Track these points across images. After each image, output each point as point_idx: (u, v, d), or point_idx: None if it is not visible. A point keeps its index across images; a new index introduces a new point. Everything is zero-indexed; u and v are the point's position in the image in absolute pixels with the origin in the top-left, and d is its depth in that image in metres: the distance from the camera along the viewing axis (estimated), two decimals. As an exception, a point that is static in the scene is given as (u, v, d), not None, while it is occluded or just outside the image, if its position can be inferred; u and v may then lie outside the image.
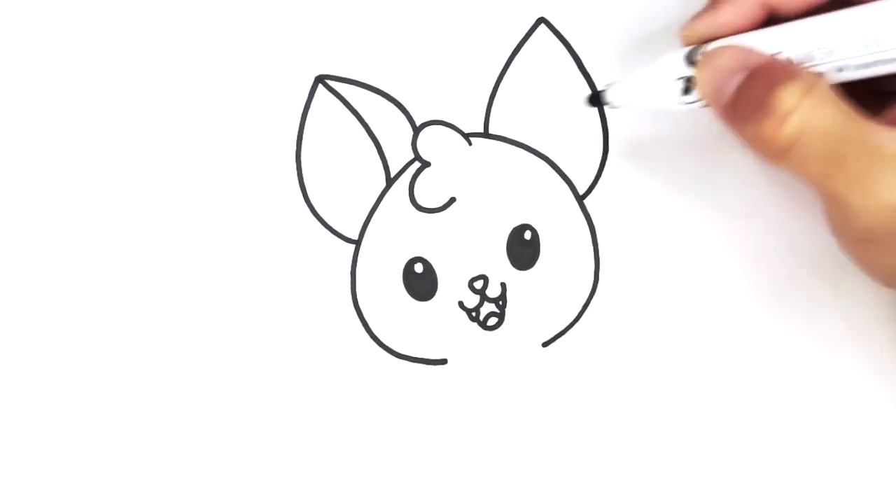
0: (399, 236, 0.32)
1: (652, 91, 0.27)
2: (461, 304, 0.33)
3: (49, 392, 0.31)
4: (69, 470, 0.31)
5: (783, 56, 0.23)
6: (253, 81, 0.31)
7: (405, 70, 0.31)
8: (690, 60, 0.25)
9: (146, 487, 0.32)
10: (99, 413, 0.31)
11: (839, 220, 0.24)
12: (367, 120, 0.31)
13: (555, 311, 0.33)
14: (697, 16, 0.25)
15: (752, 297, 0.33)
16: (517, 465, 0.33)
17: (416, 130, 0.32)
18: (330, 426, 0.32)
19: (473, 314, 0.33)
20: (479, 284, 0.32)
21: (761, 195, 0.32)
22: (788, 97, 0.22)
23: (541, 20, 0.32)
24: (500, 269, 0.33)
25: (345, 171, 0.32)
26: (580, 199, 0.33)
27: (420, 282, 0.32)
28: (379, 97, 0.31)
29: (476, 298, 0.33)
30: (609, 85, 0.29)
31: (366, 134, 0.31)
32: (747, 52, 0.23)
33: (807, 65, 0.23)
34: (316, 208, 0.32)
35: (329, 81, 0.31)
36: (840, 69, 0.22)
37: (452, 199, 0.32)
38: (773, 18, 0.24)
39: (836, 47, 0.22)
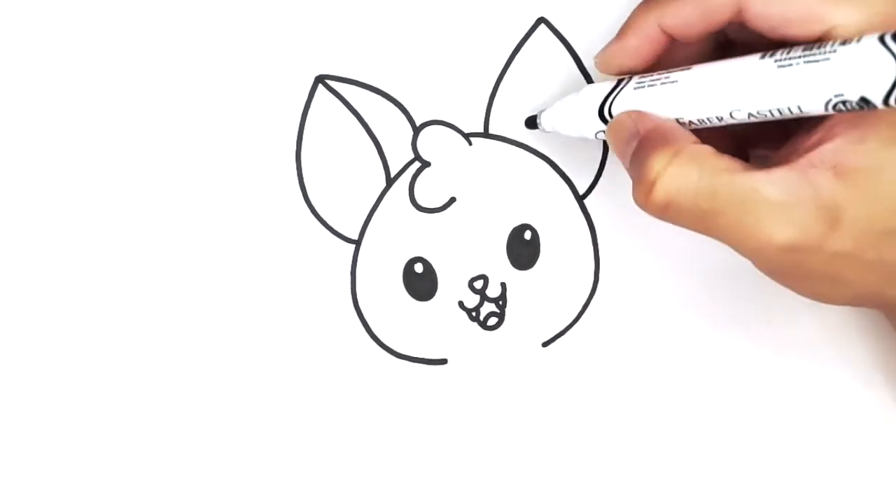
0: (399, 236, 0.32)
1: (573, 123, 0.29)
2: (461, 304, 0.33)
3: (49, 392, 0.31)
4: (69, 470, 0.31)
5: (681, 116, 0.25)
6: (253, 81, 0.31)
7: (405, 70, 0.31)
8: (601, 115, 0.27)
9: (146, 487, 0.32)
10: (99, 413, 0.31)
11: (750, 262, 0.25)
12: (367, 120, 0.31)
13: (555, 311, 0.33)
14: (607, 45, 0.27)
15: (751, 297, 0.33)
16: (517, 465, 0.33)
17: (416, 130, 0.32)
18: (330, 426, 0.32)
19: (473, 314, 0.33)
20: (479, 284, 0.32)
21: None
22: (656, 164, 0.24)
23: (541, 20, 0.32)
24: (500, 269, 0.33)
25: (345, 171, 0.32)
26: (580, 199, 0.33)
27: (420, 282, 0.32)
28: (379, 97, 0.31)
29: (476, 298, 0.33)
30: (542, 110, 0.30)
31: (366, 134, 0.31)
32: (643, 118, 0.25)
33: (702, 122, 0.25)
34: (316, 208, 0.31)
35: (329, 81, 0.31)
36: (725, 123, 0.24)
37: (452, 199, 0.32)
38: (675, 44, 0.26)
39: (725, 116, 0.24)
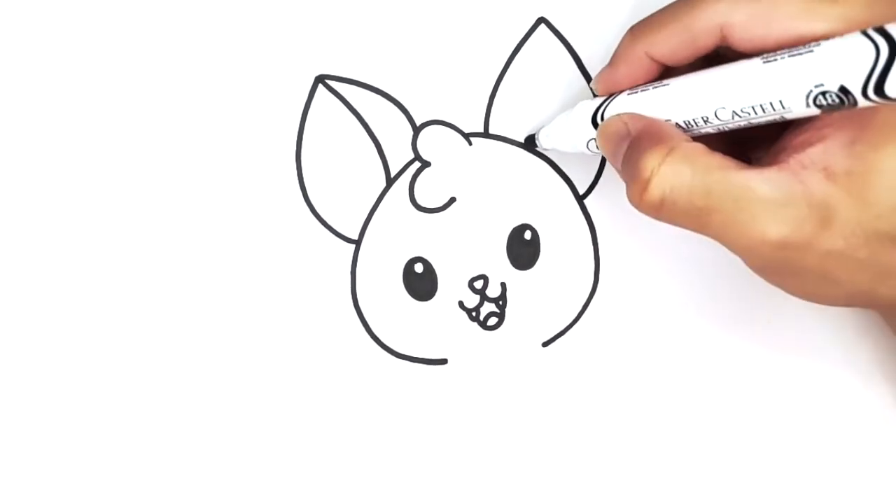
0: (399, 236, 0.32)
1: (569, 138, 0.29)
2: (461, 304, 0.33)
3: (49, 392, 0.31)
4: (69, 470, 0.31)
5: (670, 119, 0.25)
6: (253, 81, 0.31)
7: (405, 70, 0.31)
8: (594, 122, 0.27)
9: (146, 487, 0.32)
10: (99, 412, 0.31)
11: (742, 260, 0.26)
12: (367, 120, 0.31)
13: (555, 311, 0.33)
14: (600, 72, 0.28)
15: (751, 297, 0.33)
16: (517, 465, 0.33)
17: (416, 130, 0.32)
18: (330, 426, 0.32)
19: (473, 314, 0.33)
20: (479, 284, 0.32)
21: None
22: (649, 163, 0.24)
23: (541, 20, 0.32)
24: (500, 269, 0.33)
25: (345, 171, 0.31)
26: (580, 199, 0.33)
27: (420, 282, 0.32)
28: (379, 97, 0.31)
29: (476, 298, 0.33)
30: (539, 129, 0.31)
31: (366, 134, 0.31)
32: (634, 119, 0.26)
33: (690, 125, 0.25)
34: (316, 208, 0.31)
35: (329, 81, 0.31)
36: (717, 128, 0.25)
37: (452, 199, 0.32)
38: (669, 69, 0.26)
39: (710, 116, 0.24)
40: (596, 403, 0.33)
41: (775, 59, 0.23)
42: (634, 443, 0.33)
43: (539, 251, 0.33)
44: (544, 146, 0.31)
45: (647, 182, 0.24)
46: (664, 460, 0.34)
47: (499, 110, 0.32)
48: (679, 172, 0.24)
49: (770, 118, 0.23)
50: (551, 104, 0.32)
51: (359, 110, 0.31)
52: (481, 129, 0.32)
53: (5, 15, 0.30)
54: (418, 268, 0.32)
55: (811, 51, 0.22)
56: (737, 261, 0.26)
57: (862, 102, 0.21)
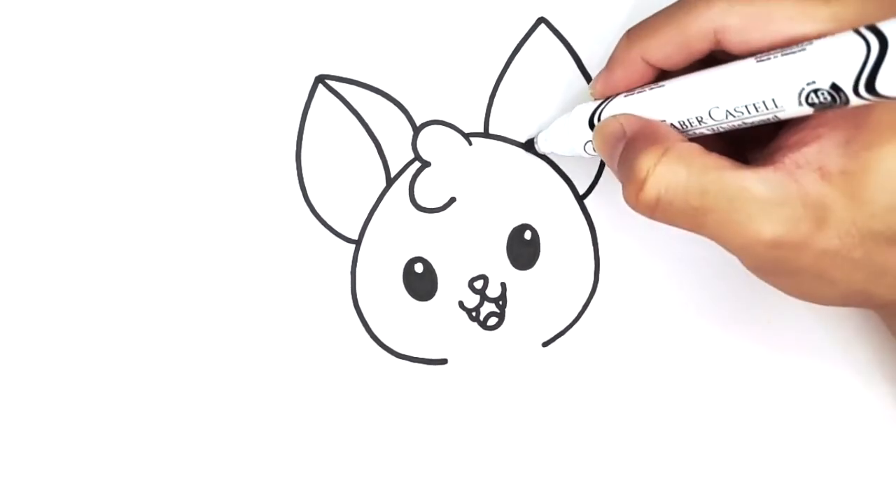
0: (399, 236, 0.32)
1: (567, 141, 0.29)
2: (461, 304, 0.33)
3: (49, 392, 0.31)
4: (69, 470, 0.31)
5: (665, 119, 0.25)
6: (253, 81, 0.31)
7: (405, 70, 0.31)
8: (591, 124, 0.28)
9: (146, 487, 0.32)
10: (99, 412, 0.31)
11: (738, 259, 0.26)
12: (367, 120, 0.31)
13: (555, 311, 0.33)
14: (597, 76, 0.28)
15: (751, 298, 0.33)
16: (517, 465, 0.33)
17: (416, 130, 0.32)
18: (330, 426, 0.32)
19: (473, 314, 0.33)
20: (479, 284, 0.32)
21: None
22: (645, 163, 0.24)
23: (541, 20, 0.32)
24: (500, 269, 0.33)
25: (345, 171, 0.32)
26: (580, 199, 0.33)
27: (420, 282, 0.32)
28: (379, 97, 0.31)
29: (476, 298, 0.33)
30: (538, 133, 0.31)
31: (366, 134, 0.31)
32: (630, 120, 0.26)
33: (686, 126, 0.25)
34: (316, 208, 0.32)
35: (329, 81, 0.31)
36: (712, 129, 0.25)
37: (452, 199, 0.32)
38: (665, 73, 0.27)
39: (704, 116, 0.24)
40: (596, 403, 0.33)
41: (768, 59, 0.23)
42: (634, 443, 0.33)
43: (539, 251, 0.33)
44: (543, 150, 0.31)
45: (643, 182, 0.24)
46: (664, 460, 0.34)
47: (499, 110, 0.32)
48: (675, 172, 0.24)
49: (764, 117, 0.23)
50: (551, 104, 0.32)
51: (359, 110, 0.31)
52: (481, 129, 0.32)
53: (5, 15, 0.30)
54: (418, 268, 0.32)
55: (803, 49, 0.22)
56: (736, 261, 0.26)
57: (854, 100, 0.21)
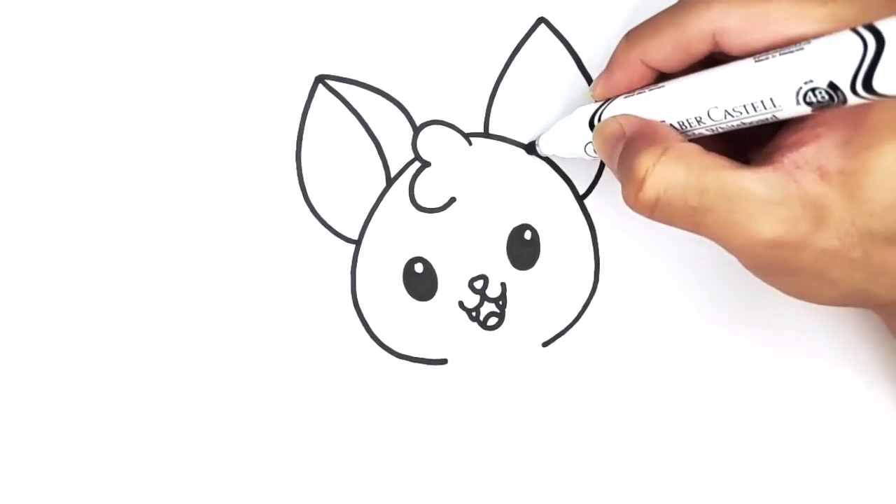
0: (399, 236, 0.32)
1: (568, 143, 0.29)
2: (461, 304, 0.33)
3: (49, 392, 0.31)
4: (69, 470, 0.31)
5: (665, 120, 0.25)
6: (253, 81, 0.31)
7: (405, 70, 0.31)
8: (591, 125, 0.28)
9: (146, 487, 0.32)
10: (99, 413, 0.31)
11: (738, 259, 0.26)
12: (367, 120, 0.31)
13: (555, 311, 0.33)
14: (598, 78, 0.28)
15: (752, 298, 0.33)
16: (517, 465, 0.33)
17: (416, 130, 0.32)
18: (330, 426, 0.32)
19: (473, 314, 0.33)
20: (479, 284, 0.33)
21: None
22: (644, 163, 0.24)
23: (541, 20, 0.32)
24: (500, 269, 0.33)
25: (345, 171, 0.32)
26: (580, 199, 0.33)
27: (420, 282, 0.32)
28: (379, 97, 0.31)
29: (476, 298, 0.33)
30: (539, 135, 0.31)
31: (366, 134, 0.31)
32: (629, 120, 0.26)
33: (685, 126, 0.25)
34: (316, 208, 0.32)
35: (329, 81, 0.31)
36: (712, 129, 0.25)
37: (452, 199, 0.32)
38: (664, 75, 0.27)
39: (703, 116, 0.24)
40: (596, 403, 0.33)
41: (766, 59, 0.23)
42: (634, 443, 0.33)
43: (539, 251, 0.33)
44: (544, 152, 0.31)
45: (642, 182, 0.24)
46: (664, 460, 0.34)
47: (499, 110, 0.32)
48: (674, 172, 0.24)
49: (762, 117, 0.23)
50: (551, 104, 0.32)
51: (359, 110, 0.31)
52: (481, 129, 0.32)
53: (5, 15, 0.30)
54: (418, 268, 0.32)
55: (801, 49, 0.22)
56: (736, 261, 0.26)
57: (851, 99, 0.21)
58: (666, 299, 0.33)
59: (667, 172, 0.24)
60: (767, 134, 0.25)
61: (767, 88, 0.22)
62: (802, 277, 0.25)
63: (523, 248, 0.33)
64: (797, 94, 0.22)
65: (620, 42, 0.27)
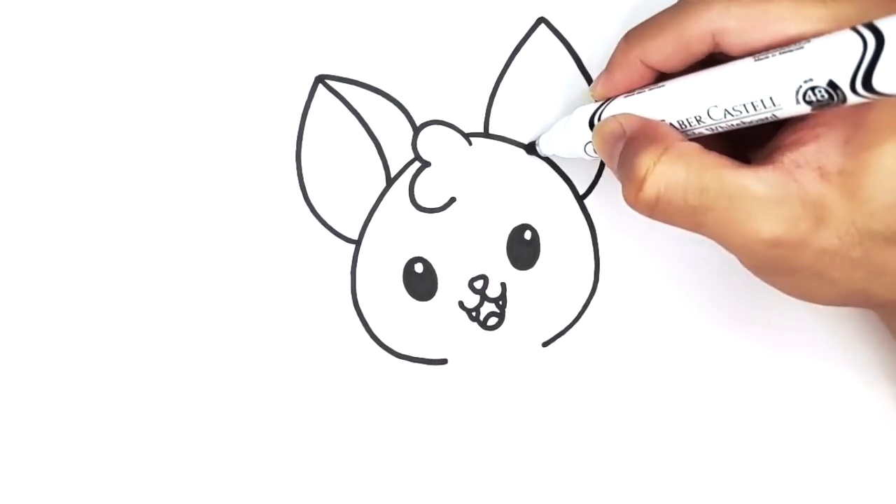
0: (399, 236, 0.32)
1: (568, 143, 0.29)
2: (461, 304, 0.33)
3: (49, 392, 0.31)
4: (69, 470, 0.31)
5: (665, 119, 0.25)
6: (253, 81, 0.31)
7: (405, 70, 0.31)
8: (591, 125, 0.28)
9: (146, 487, 0.32)
10: (99, 413, 0.31)
11: (738, 258, 0.26)
12: (367, 120, 0.31)
13: (555, 311, 0.33)
14: (598, 78, 0.28)
15: (752, 298, 0.33)
16: (517, 465, 0.33)
17: (416, 130, 0.32)
18: (330, 426, 0.32)
19: (473, 314, 0.33)
20: (479, 284, 0.33)
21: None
22: (644, 162, 0.24)
23: (541, 20, 0.32)
24: (500, 269, 0.33)
25: (345, 171, 0.32)
26: (580, 199, 0.33)
27: (420, 282, 0.32)
28: (379, 97, 0.31)
29: (476, 298, 0.33)
30: (539, 135, 0.32)
31: (366, 134, 0.31)
32: (629, 120, 0.26)
33: (685, 125, 0.25)
34: (316, 208, 0.32)
35: (329, 81, 0.31)
36: (712, 129, 0.25)
37: (452, 199, 0.32)
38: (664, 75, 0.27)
39: (703, 115, 0.24)
40: (596, 403, 0.33)
41: (766, 58, 0.23)
42: (634, 443, 0.33)
43: (539, 251, 0.33)
44: (544, 152, 0.31)
45: (643, 181, 0.24)
46: (664, 460, 0.34)
47: (499, 110, 0.32)
48: (674, 171, 0.24)
49: (762, 116, 0.23)
50: (551, 104, 0.32)
51: (359, 110, 0.31)
52: (481, 129, 0.32)
53: (5, 15, 0.30)
54: (418, 268, 0.32)
55: (801, 48, 0.22)
56: (736, 261, 0.26)
57: (851, 98, 0.21)
58: (666, 299, 0.33)
59: (667, 171, 0.24)
60: (767, 133, 0.25)
61: (767, 87, 0.22)
62: (802, 277, 0.25)
63: (523, 248, 0.33)
64: (797, 93, 0.22)
65: (620, 42, 0.27)
